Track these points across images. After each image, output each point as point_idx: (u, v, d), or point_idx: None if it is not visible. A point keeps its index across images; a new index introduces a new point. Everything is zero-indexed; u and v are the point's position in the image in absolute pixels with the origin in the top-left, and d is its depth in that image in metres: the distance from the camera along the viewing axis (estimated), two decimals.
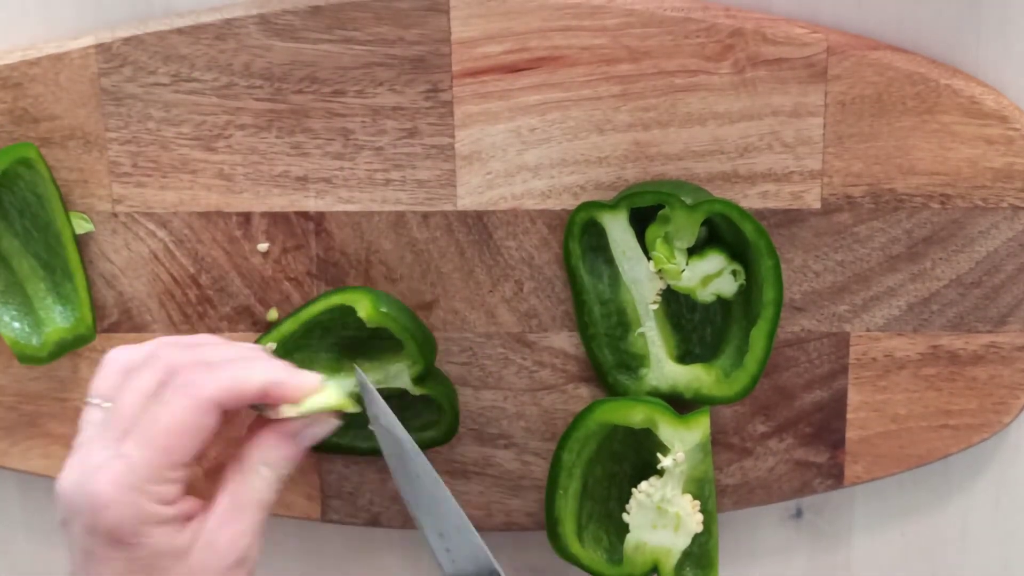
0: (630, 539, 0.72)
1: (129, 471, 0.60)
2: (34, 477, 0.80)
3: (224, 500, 0.63)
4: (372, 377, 0.73)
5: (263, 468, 0.63)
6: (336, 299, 0.72)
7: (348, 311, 0.71)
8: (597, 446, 0.73)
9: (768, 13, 0.71)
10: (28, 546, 0.82)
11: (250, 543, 0.63)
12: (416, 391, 0.73)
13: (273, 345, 0.72)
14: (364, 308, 0.70)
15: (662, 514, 0.72)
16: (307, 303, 0.73)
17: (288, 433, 0.64)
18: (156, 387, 0.61)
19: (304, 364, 0.73)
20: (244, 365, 0.63)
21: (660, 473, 0.72)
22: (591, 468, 0.74)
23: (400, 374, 0.73)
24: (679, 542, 0.72)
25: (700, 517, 0.71)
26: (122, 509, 0.60)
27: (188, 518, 0.62)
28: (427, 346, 0.72)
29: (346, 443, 0.75)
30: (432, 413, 0.74)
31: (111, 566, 0.60)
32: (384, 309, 0.70)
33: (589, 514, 0.74)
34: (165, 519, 0.60)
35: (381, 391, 0.68)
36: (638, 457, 0.74)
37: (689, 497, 0.71)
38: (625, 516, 0.73)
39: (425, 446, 0.72)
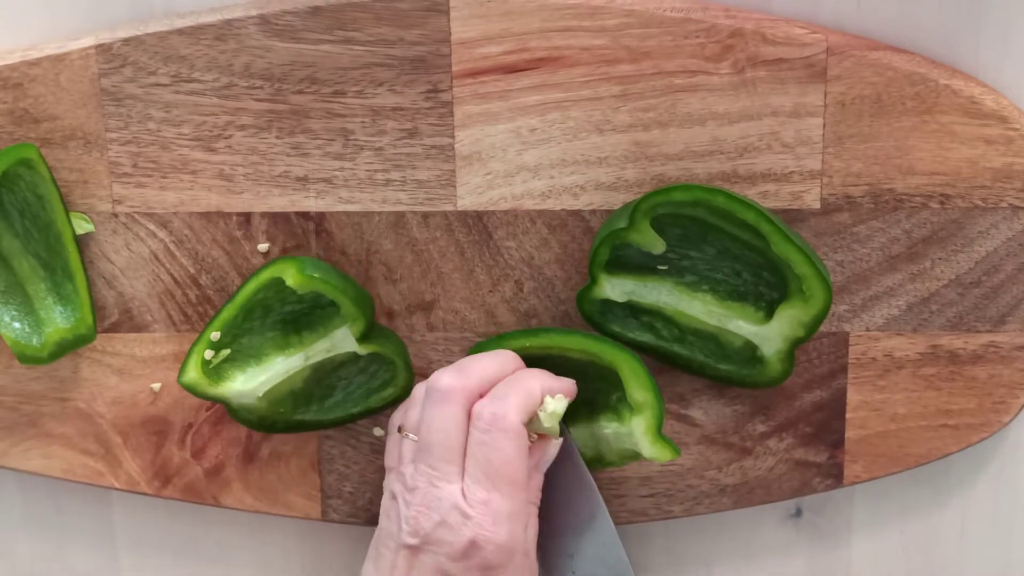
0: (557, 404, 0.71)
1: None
2: (34, 477, 0.80)
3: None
4: (320, 347, 0.73)
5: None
6: (265, 274, 0.72)
7: (283, 286, 0.71)
8: None
9: (768, 13, 0.71)
10: (28, 546, 0.82)
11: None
12: (364, 350, 0.73)
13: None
14: (291, 276, 0.71)
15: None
16: (240, 286, 0.73)
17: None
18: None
19: (252, 347, 0.74)
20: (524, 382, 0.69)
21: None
22: None
23: (345, 338, 0.73)
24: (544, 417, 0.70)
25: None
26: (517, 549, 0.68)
27: None
28: (363, 302, 0.72)
29: (310, 419, 0.75)
30: (386, 372, 0.74)
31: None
32: (311, 273, 0.70)
33: None
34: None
35: (330, 359, 0.73)
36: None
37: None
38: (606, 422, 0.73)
39: (386, 404, 0.74)
